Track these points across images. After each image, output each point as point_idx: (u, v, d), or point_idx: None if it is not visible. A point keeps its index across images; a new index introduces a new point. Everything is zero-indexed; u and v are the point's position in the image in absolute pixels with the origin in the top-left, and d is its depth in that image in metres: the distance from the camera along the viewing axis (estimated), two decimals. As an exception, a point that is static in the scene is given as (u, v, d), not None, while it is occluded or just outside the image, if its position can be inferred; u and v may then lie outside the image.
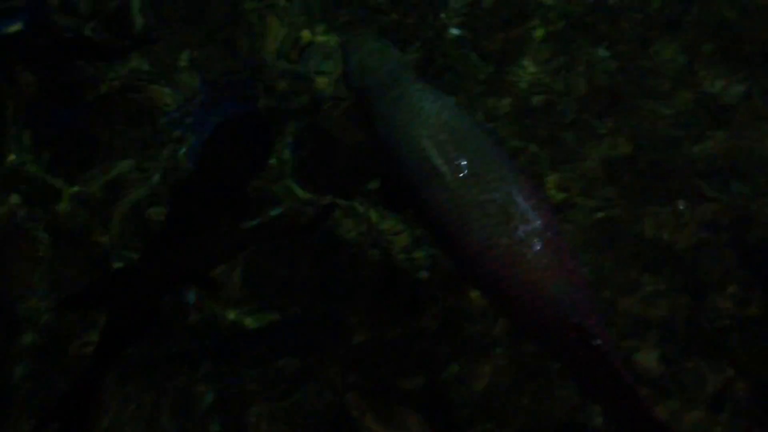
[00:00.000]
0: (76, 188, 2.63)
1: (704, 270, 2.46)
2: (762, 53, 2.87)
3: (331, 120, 2.72)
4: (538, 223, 1.39)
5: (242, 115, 2.71)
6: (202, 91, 2.81)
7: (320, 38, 2.91)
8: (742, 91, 2.80)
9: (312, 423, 2.20)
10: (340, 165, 2.66)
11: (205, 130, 2.57)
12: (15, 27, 2.90)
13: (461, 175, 1.44)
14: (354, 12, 3.00)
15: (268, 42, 2.90)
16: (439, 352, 2.31)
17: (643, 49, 2.92)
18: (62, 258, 2.48)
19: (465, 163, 1.45)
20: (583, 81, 2.83)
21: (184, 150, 2.68)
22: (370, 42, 1.86)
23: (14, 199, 2.64)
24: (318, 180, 2.59)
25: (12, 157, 2.73)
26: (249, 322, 2.33)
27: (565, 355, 1.43)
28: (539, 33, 2.94)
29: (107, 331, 1.91)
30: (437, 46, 2.92)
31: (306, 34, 2.90)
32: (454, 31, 2.94)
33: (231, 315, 2.33)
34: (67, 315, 2.29)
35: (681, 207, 2.53)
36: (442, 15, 2.92)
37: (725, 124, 2.75)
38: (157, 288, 2.00)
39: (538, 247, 1.35)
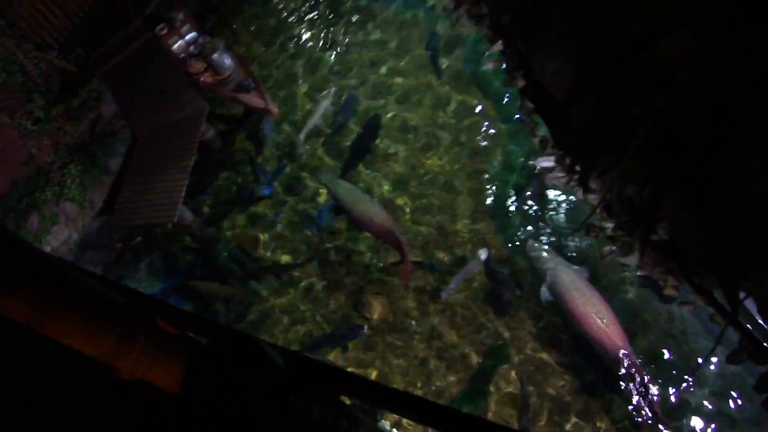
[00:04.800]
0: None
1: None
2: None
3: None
4: (385, 215, 6.61)
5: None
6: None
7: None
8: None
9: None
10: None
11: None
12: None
13: (360, 206, 6.73)
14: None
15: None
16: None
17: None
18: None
19: (362, 203, 6.78)
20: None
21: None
22: (334, 179, 7.51)
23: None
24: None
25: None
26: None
27: (392, 244, 6.62)
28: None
29: None
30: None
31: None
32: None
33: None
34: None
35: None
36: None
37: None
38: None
39: (388, 224, 6.50)
